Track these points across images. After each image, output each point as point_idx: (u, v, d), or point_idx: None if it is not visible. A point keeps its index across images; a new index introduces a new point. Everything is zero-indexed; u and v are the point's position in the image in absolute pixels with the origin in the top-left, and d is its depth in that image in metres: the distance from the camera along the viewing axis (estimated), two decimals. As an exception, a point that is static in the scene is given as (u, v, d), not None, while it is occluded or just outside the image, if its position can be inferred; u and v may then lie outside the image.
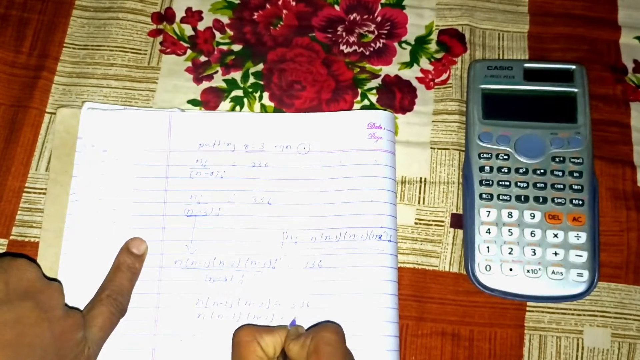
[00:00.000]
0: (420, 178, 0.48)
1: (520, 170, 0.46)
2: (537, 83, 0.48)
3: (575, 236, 0.45)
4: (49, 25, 0.51)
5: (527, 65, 0.49)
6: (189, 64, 0.51)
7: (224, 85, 0.50)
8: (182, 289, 0.43)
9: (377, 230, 0.44)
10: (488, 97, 0.48)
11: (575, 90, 0.48)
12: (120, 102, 0.49)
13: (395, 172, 0.46)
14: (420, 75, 0.51)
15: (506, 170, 0.46)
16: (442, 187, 0.48)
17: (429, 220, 0.47)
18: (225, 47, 0.51)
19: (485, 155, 0.46)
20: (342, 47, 0.52)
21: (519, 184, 0.46)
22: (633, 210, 0.48)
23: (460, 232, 0.47)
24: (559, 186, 0.45)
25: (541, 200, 0.45)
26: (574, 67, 0.49)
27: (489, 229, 0.45)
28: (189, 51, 0.51)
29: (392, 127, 0.47)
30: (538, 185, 0.46)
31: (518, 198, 0.45)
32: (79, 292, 0.41)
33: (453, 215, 0.47)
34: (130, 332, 0.42)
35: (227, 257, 0.44)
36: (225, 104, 0.49)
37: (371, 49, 0.52)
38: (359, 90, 0.50)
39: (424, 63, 0.51)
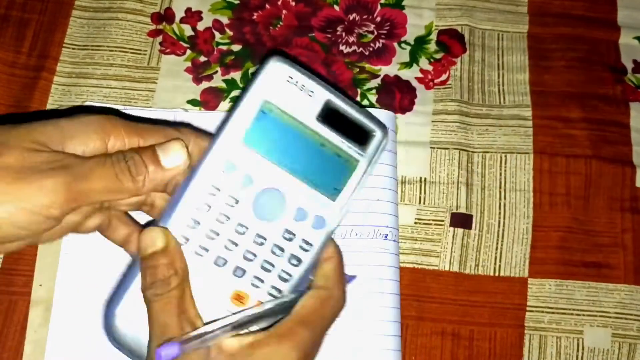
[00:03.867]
0: (420, 178, 0.48)
1: (239, 229, 0.34)
2: (327, 127, 0.35)
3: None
4: (48, 25, 0.51)
5: (331, 99, 0.35)
6: (189, 64, 0.51)
7: (223, 85, 0.50)
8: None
9: (384, 229, 0.44)
10: (264, 116, 0.34)
11: (358, 159, 0.35)
12: (120, 103, 0.49)
13: (397, 172, 0.46)
14: (420, 75, 0.51)
15: (224, 220, 0.34)
16: (442, 186, 0.48)
17: (429, 220, 0.47)
18: (224, 47, 0.51)
19: (212, 187, 0.34)
20: (342, 47, 0.52)
21: (228, 243, 0.34)
22: (633, 210, 0.48)
23: (460, 232, 0.47)
24: (267, 267, 0.35)
25: (239, 273, 0.34)
26: (376, 130, 0.36)
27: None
28: (188, 51, 0.51)
29: (394, 127, 0.47)
30: (248, 254, 0.34)
31: (217, 259, 0.34)
32: (78, 291, 0.41)
33: (453, 215, 0.47)
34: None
35: None
36: (225, 104, 0.49)
37: (371, 49, 0.52)
38: (359, 90, 0.50)
39: (424, 63, 0.51)
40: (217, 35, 0.52)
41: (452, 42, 0.52)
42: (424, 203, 0.47)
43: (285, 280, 0.36)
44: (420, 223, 0.47)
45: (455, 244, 0.47)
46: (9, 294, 0.43)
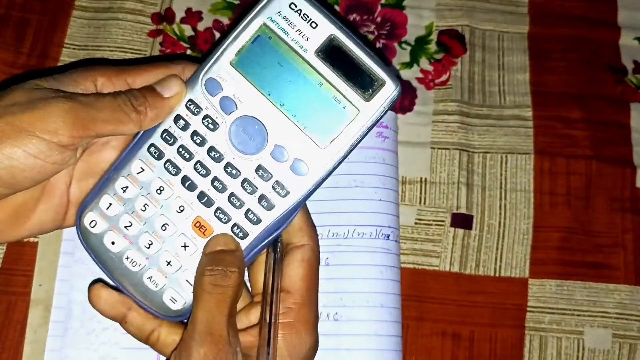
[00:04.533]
0: (421, 178, 0.48)
1: (213, 154, 0.33)
2: (327, 65, 0.32)
3: None
4: (48, 25, 0.51)
5: (336, 35, 0.32)
6: (189, 64, 0.51)
7: (223, 85, 0.50)
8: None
9: (386, 229, 0.44)
10: (260, 40, 0.32)
11: (359, 109, 0.32)
12: (120, 102, 0.49)
13: (398, 173, 0.46)
14: (420, 75, 0.51)
15: (199, 142, 0.33)
16: (443, 187, 0.48)
17: (429, 220, 0.47)
18: (225, 48, 0.51)
19: (193, 106, 0.33)
20: (342, 48, 0.52)
21: (199, 167, 0.33)
22: (633, 211, 0.48)
23: (460, 232, 0.47)
24: (235, 202, 0.34)
25: (205, 200, 0.34)
26: (386, 80, 0.32)
27: (127, 187, 0.34)
28: (188, 51, 0.51)
29: (396, 128, 0.47)
30: (216, 183, 0.34)
31: (185, 180, 0.34)
32: (78, 291, 0.41)
33: (453, 215, 0.47)
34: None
35: None
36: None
37: (371, 50, 0.52)
38: (359, 91, 0.50)
39: (424, 63, 0.51)
40: (217, 35, 0.52)
41: (452, 42, 0.52)
42: (425, 203, 0.47)
43: (252, 222, 0.34)
44: (420, 223, 0.47)
45: (455, 245, 0.46)
46: (8, 294, 0.43)
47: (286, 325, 0.33)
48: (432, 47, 0.52)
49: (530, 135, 0.49)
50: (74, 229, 0.41)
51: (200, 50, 0.51)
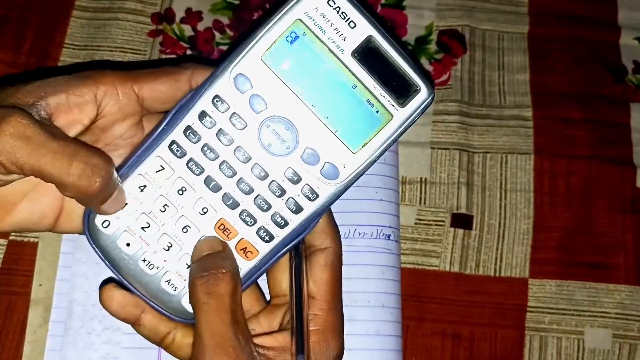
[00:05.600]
0: (421, 178, 0.48)
1: (240, 155, 0.32)
2: (364, 67, 0.31)
3: None
4: (48, 25, 0.51)
5: (375, 36, 0.31)
6: (189, 64, 0.51)
7: (224, 85, 0.50)
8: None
9: (387, 229, 0.44)
10: (294, 37, 0.31)
11: (393, 114, 0.31)
12: (120, 103, 0.49)
13: (399, 172, 0.46)
14: (420, 75, 0.51)
15: (225, 141, 0.32)
16: (443, 187, 0.48)
17: (429, 220, 0.47)
18: (225, 48, 0.51)
19: (220, 102, 0.31)
20: (342, 48, 0.52)
21: (224, 167, 0.32)
22: (633, 211, 0.48)
23: (460, 232, 0.47)
24: (262, 205, 0.32)
25: (230, 202, 0.32)
26: (421, 86, 0.31)
27: (144, 185, 0.32)
28: (188, 51, 0.51)
29: (396, 128, 0.47)
30: (242, 185, 0.32)
31: (209, 180, 0.32)
32: (78, 291, 0.41)
33: (453, 215, 0.47)
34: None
35: None
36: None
37: (371, 50, 0.52)
38: (359, 91, 0.50)
39: (424, 63, 0.51)
40: (217, 35, 0.52)
41: (452, 42, 0.52)
42: (425, 203, 0.47)
43: (279, 225, 0.32)
44: (420, 223, 0.47)
45: (455, 245, 0.46)
46: (8, 294, 0.43)
47: (314, 333, 0.32)
48: (432, 47, 0.52)
49: (530, 135, 0.49)
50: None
51: (199, 51, 0.51)
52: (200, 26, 0.52)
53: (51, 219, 0.34)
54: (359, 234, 0.43)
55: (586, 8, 0.54)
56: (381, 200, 0.44)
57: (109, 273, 0.42)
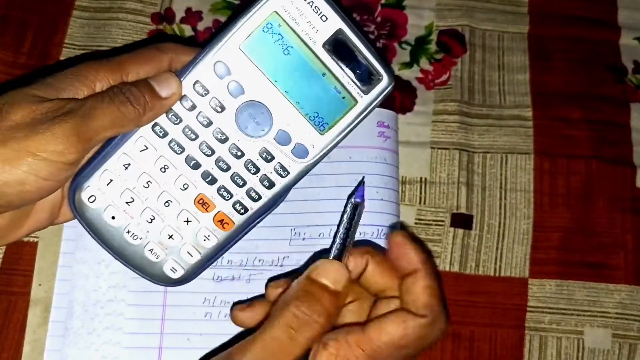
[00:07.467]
0: (421, 178, 0.48)
1: (219, 136, 0.35)
2: (333, 57, 0.34)
3: (205, 236, 0.37)
4: (48, 25, 0.51)
5: (344, 29, 0.34)
6: (189, 64, 0.51)
7: (223, 85, 0.50)
8: (189, 288, 0.43)
9: (387, 229, 0.44)
10: (270, 28, 0.34)
11: (357, 100, 0.35)
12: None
13: (399, 173, 0.46)
14: (420, 75, 0.51)
15: (205, 123, 0.35)
16: (443, 187, 0.48)
17: (429, 220, 0.47)
18: (225, 48, 0.51)
19: (200, 88, 0.34)
20: (342, 48, 0.52)
21: (204, 147, 0.35)
22: (633, 211, 0.48)
23: (460, 232, 0.47)
24: (238, 181, 0.36)
25: (209, 179, 0.36)
26: (383, 75, 0.35)
27: (129, 164, 0.35)
28: (188, 51, 0.51)
29: (397, 128, 0.47)
30: (221, 163, 0.35)
31: (190, 159, 0.35)
32: (78, 291, 0.41)
33: (453, 215, 0.47)
34: (136, 330, 0.42)
35: (235, 256, 0.43)
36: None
37: (371, 50, 0.52)
38: (359, 91, 0.50)
39: (424, 63, 0.51)
40: (218, 35, 0.52)
41: (452, 42, 0.52)
42: (425, 203, 0.47)
43: (253, 199, 0.36)
44: (420, 223, 0.47)
45: (455, 245, 0.46)
46: (8, 294, 0.43)
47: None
48: (432, 47, 0.52)
49: (530, 135, 0.49)
50: (74, 229, 0.41)
51: (200, 50, 0.51)
52: (200, 26, 0.52)
53: (57, 209, 0.36)
54: (360, 234, 0.43)
55: (586, 8, 0.54)
56: (382, 200, 0.44)
57: (109, 273, 0.43)
